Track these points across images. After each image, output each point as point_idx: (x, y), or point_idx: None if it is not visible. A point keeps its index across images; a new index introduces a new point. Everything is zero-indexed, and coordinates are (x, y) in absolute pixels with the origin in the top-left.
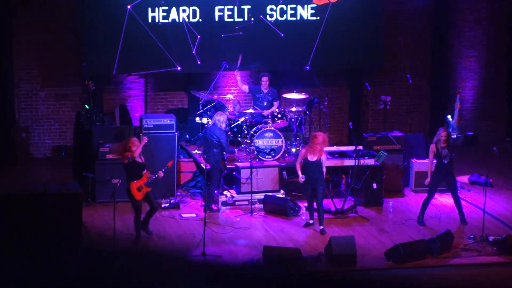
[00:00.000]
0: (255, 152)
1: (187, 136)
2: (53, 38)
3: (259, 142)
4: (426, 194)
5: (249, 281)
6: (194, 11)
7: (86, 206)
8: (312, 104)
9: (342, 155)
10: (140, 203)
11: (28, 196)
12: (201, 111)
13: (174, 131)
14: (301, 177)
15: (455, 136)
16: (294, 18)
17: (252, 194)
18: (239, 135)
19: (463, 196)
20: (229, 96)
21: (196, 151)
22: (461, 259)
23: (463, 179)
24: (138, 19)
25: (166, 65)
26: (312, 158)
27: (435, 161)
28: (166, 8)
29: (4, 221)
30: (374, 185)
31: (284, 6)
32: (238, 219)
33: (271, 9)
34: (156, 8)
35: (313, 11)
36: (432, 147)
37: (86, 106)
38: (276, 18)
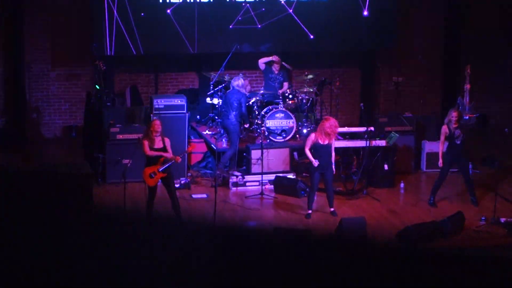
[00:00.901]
0: (266, 133)
1: (198, 116)
2: (64, 18)
3: (270, 123)
4: (438, 175)
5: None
6: None
7: (97, 187)
8: (324, 85)
9: (353, 136)
10: (154, 188)
11: (39, 176)
12: (211, 91)
13: (185, 111)
14: (316, 161)
15: (467, 117)
16: None
17: (263, 175)
18: (250, 116)
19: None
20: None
21: (207, 131)
22: (472, 240)
23: (475, 160)
24: None
25: (177, 46)
26: (324, 141)
27: (447, 142)
28: None
29: (13, 200)
30: (386, 166)
31: None
32: (248, 200)
33: None
34: None
35: None
36: (444, 128)
37: (97, 86)
38: None
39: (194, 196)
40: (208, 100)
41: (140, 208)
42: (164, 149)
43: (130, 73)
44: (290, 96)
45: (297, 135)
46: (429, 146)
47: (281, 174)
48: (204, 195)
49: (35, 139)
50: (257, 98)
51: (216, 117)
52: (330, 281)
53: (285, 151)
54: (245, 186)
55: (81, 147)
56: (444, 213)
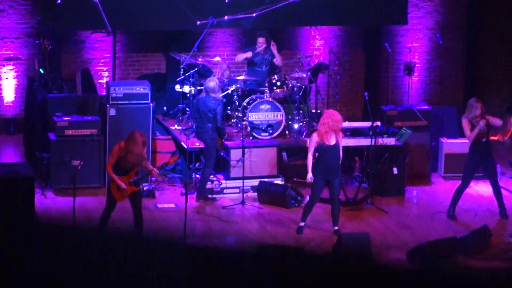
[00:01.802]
0: (249, 128)
1: (165, 108)
2: None
3: (253, 116)
4: (460, 182)
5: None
6: None
7: (40, 193)
8: (320, 69)
9: (355, 132)
10: (114, 200)
11: None
12: (182, 77)
13: (148, 101)
14: (310, 177)
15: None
16: None
17: (245, 180)
18: (229, 107)
19: (505, 184)
20: (217, 58)
21: (176, 126)
22: (500, 261)
23: (504, 162)
24: None
25: (139, 21)
26: (330, 141)
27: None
28: None
29: None
30: (395, 170)
31: None
32: (226, 210)
33: None
34: None
35: None
36: (466, 123)
37: (41, 71)
38: None
39: (159, 205)
40: (177, 87)
41: (93, 221)
42: (139, 158)
43: (81, 54)
44: (279, 83)
45: (287, 131)
46: (448, 145)
47: (266, 179)
48: (172, 205)
49: None
50: (238, 86)
51: (187, 109)
52: None
53: (272, 151)
54: (223, 193)
55: (21, 144)
56: (466, 227)
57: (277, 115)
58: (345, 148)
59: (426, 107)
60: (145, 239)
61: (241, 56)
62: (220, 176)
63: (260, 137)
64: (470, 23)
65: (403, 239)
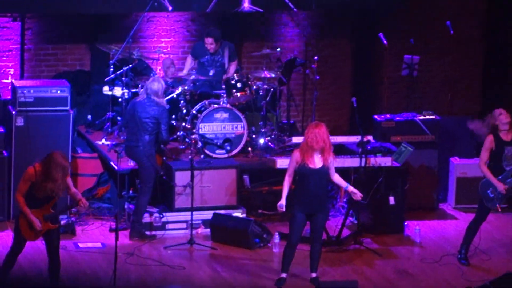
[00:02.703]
0: (200, 143)
1: (89, 117)
2: None
3: (206, 128)
4: (474, 215)
5: None
6: None
7: None
8: (293, 67)
9: (340, 150)
10: (23, 240)
11: None
12: (112, 76)
13: (67, 107)
14: (282, 205)
15: None
16: None
17: (194, 212)
18: (173, 116)
19: None
20: (158, 52)
21: (104, 141)
22: None
23: None
24: None
25: (56, 2)
26: (314, 163)
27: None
28: None
29: None
30: (391, 200)
31: None
32: (169, 251)
33: None
34: None
35: None
36: (490, 139)
37: None
38: None
39: (81, 245)
40: (106, 89)
41: None
42: (59, 190)
43: None
44: (239, 85)
45: (250, 148)
46: (461, 168)
47: (223, 211)
48: (98, 244)
49: None
50: (186, 87)
51: (119, 118)
52: None
53: (230, 174)
54: (165, 229)
55: None
56: (483, 274)
57: (236, 127)
58: None
59: (433, 117)
60: None
61: (188, 64)
62: (162, 207)
63: (214, 155)
64: (494, 6)
65: None
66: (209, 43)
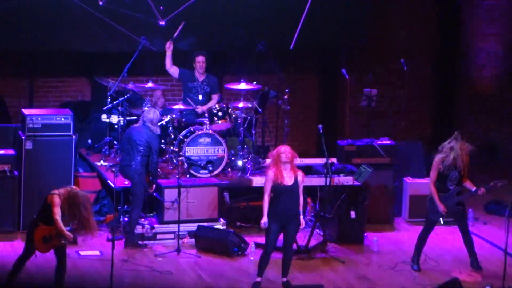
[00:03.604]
0: (185, 164)
1: (89, 141)
2: None
3: (191, 151)
4: (422, 226)
5: None
6: None
7: None
8: (267, 99)
9: (308, 171)
10: (33, 250)
11: None
12: (109, 106)
13: (70, 133)
14: (266, 223)
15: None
16: None
17: (180, 224)
18: (163, 141)
19: (476, 230)
20: (150, 85)
21: (102, 162)
22: None
23: (477, 206)
24: None
25: (60, 40)
26: (286, 181)
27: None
28: None
29: None
30: (353, 214)
31: None
32: (159, 259)
33: None
34: None
35: None
36: (437, 161)
37: None
38: None
39: (82, 253)
40: (104, 117)
41: (5, 269)
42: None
43: None
44: (220, 113)
45: (229, 169)
46: (414, 186)
47: (205, 223)
48: (97, 252)
49: None
50: (173, 116)
51: (115, 142)
52: None
53: (212, 191)
54: (155, 239)
55: None
56: (432, 279)
57: (218, 150)
58: None
59: (389, 142)
60: None
61: (171, 68)
62: (153, 220)
63: (198, 175)
64: (441, 47)
65: None
66: (201, 62)
